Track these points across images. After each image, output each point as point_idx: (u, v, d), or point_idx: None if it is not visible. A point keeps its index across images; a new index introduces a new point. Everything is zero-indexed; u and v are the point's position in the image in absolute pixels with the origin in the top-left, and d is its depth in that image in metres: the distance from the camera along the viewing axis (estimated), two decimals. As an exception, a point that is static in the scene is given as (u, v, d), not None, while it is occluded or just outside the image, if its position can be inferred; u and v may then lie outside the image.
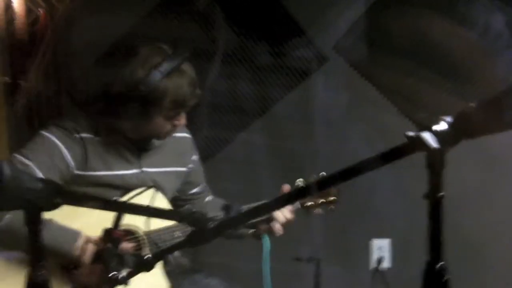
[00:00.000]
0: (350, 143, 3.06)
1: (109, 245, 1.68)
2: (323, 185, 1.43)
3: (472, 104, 1.17)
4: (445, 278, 1.30)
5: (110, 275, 1.66)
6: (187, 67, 2.25)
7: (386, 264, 3.36)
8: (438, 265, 1.30)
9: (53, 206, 1.32)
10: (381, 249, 3.36)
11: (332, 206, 2.54)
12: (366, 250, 3.38)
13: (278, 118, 3.29)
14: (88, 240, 2.08)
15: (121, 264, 1.69)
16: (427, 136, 1.19)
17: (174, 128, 2.33)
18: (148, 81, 2.15)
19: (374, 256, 3.37)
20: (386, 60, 3.17)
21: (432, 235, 1.29)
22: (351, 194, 2.99)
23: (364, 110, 3.24)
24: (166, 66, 2.18)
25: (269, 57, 3.20)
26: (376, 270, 3.37)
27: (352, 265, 3.35)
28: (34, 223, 1.29)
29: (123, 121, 2.28)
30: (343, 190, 2.57)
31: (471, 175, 3.23)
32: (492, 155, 3.17)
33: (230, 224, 1.69)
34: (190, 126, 2.53)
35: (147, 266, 1.71)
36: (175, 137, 2.48)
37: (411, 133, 1.21)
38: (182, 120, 2.32)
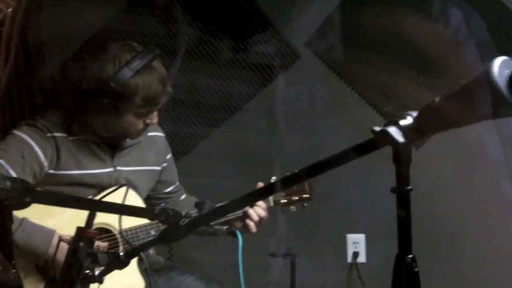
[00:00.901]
0: (322, 139, 3.08)
1: (82, 244, 1.68)
2: (293, 181, 1.44)
3: (437, 99, 1.19)
4: (415, 269, 1.31)
5: (84, 273, 1.67)
6: (157, 65, 2.25)
7: (361, 259, 3.39)
8: (408, 258, 1.31)
9: (23, 205, 1.32)
10: (356, 244, 3.38)
11: (306, 204, 2.57)
12: (341, 246, 3.39)
13: (248, 114, 3.29)
14: (61, 239, 2.08)
15: (95, 263, 1.68)
16: (392, 130, 1.21)
17: (146, 127, 2.34)
18: (118, 78, 2.16)
19: (350, 251, 3.39)
20: (358, 55, 3.19)
21: (401, 228, 1.31)
22: (325, 190, 3.01)
23: (336, 105, 3.26)
24: (136, 63, 2.18)
25: (238, 53, 3.20)
26: (352, 265, 3.39)
27: (328, 261, 3.36)
28: (4, 221, 1.29)
29: (94, 119, 2.28)
30: (316, 187, 2.59)
31: (448, 167, 3.25)
32: (467, 147, 3.20)
33: (203, 221, 1.70)
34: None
35: (120, 263, 1.72)
36: (149, 136, 2.49)
37: (377, 128, 1.23)
38: (154, 119, 2.32)
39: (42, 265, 2.14)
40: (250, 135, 3.25)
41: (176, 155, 2.75)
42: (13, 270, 1.35)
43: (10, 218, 1.33)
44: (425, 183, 3.10)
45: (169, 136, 2.65)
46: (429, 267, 3.16)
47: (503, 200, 3.14)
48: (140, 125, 2.30)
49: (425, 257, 3.01)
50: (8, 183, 1.28)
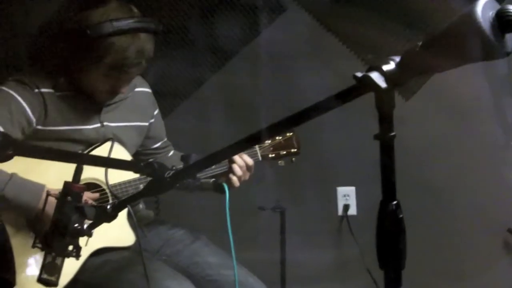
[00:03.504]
0: (310, 94, 3.07)
1: (69, 198, 1.68)
2: (277, 129, 1.44)
3: (419, 43, 1.18)
4: (399, 216, 1.31)
5: (72, 227, 1.67)
6: (144, 37, 2.20)
7: (352, 211, 3.40)
8: (392, 204, 1.30)
9: (6, 158, 1.31)
10: (346, 197, 3.39)
11: (294, 158, 2.58)
12: (331, 199, 3.41)
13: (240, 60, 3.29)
14: (49, 194, 2.07)
15: (82, 216, 1.69)
16: (375, 76, 1.20)
17: (114, 93, 2.31)
18: (97, 29, 2.12)
19: (340, 204, 3.40)
20: (344, 7, 3.17)
21: (385, 175, 1.30)
22: (313, 145, 3.02)
23: (321, 55, 3.24)
24: (121, 24, 2.14)
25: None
26: (342, 218, 3.40)
27: (318, 214, 3.38)
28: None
29: (74, 71, 2.25)
30: (305, 141, 2.60)
31: (436, 125, 3.28)
32: (455, 104, 3.22)
33: (188, 173, 1.70)
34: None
35: (107, 217, 1.72)
36: (135, 91, 2.48)
37: (359, 74, 1.22)
38: (123, 88, 2.29)
39: (33, 220, 2.15)
40: (243, 81, 3.24)
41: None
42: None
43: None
44: (416, 140, 3.12)
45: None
46: (418, 221, 3.21)
47: (488, 157, 3.19)
48: (107, 88, 2.27)
49: (416, 212, 3.08)
50: (-10, 136, 1.27)
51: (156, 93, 2.62)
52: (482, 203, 3.31)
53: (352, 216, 3.40)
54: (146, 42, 2.21)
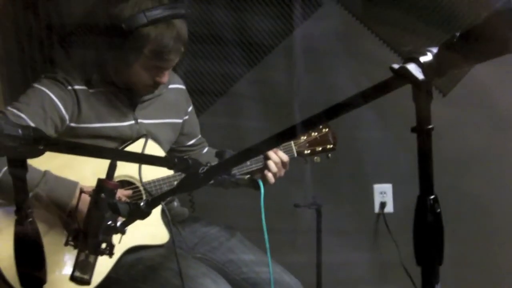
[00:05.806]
0: (340, 80, 3.05)
1: (103, 195, 1.68)
2: (313, 123, 1.41)
3: (457, 33, 1.15)
4: (437, 210, 1.27)
5: (106, 224, 1.67)
6: (178, 23, 2.20)
7: (389, 209, 3.36)
8: (430, 199, 1.27)
9: (37, 153, 1.30)
10: (383, 194, 3.35)
11: (330, 154, 2.54)
12: (368, 196, 3.37)
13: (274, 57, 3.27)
14: (82, 191, 2.08)
15: (116, 214, 1.68)
16: (412, 67, 1.17)
17: (155, 85, 2.31)
18: (131, 22, 2.12)
19: (377, 201, 3.36)
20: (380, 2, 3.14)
21: (422, 169, 1.27)
22: (350, 141, 2.98)
23: (356, 49, 3.21)
24: (154, 13, 2.14)
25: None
26: (379, 215, 3.36)
27: (354, 211, 3.34)
28: (19, 170, 1.28)
29: (109, 67, 2.25)
30: (341, 137, 2.56)
31: (479, 136, 3.22)
32: (498, 116, 3.16)
33: (222, 169, 1.68)
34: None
35: (141, 214, 1.71)
36: (170, 88, 2.46)
37: (396, 66, 1.19)
38: (164, 77, 2.28)
39: (66, 218, 2.15)
40: (279, 76, 3.22)
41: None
42: (29, 220, 1.34)
43: (25, 167, 1.32)
44: (457, 153, 3.07)
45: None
46: (460, 236, 3.15)
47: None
48: (149, 80, 2.26)
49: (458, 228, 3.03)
50: (20, 131, 1.27)
51: (192, 90, 2.61)
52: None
53: (389, 213, 3.36)
54: (180, 27, 2.21)
